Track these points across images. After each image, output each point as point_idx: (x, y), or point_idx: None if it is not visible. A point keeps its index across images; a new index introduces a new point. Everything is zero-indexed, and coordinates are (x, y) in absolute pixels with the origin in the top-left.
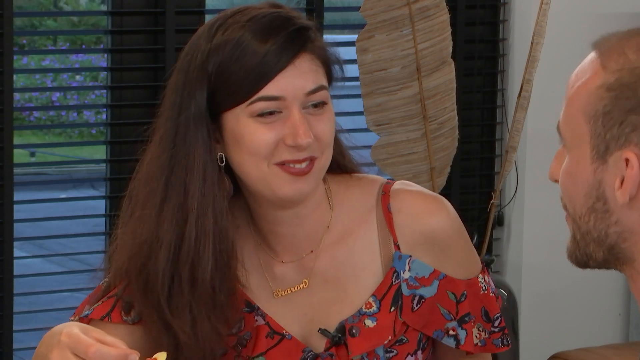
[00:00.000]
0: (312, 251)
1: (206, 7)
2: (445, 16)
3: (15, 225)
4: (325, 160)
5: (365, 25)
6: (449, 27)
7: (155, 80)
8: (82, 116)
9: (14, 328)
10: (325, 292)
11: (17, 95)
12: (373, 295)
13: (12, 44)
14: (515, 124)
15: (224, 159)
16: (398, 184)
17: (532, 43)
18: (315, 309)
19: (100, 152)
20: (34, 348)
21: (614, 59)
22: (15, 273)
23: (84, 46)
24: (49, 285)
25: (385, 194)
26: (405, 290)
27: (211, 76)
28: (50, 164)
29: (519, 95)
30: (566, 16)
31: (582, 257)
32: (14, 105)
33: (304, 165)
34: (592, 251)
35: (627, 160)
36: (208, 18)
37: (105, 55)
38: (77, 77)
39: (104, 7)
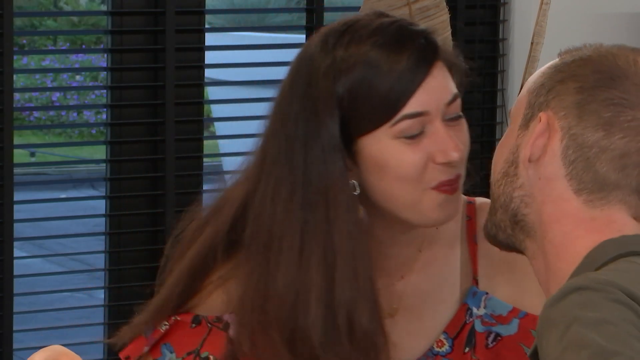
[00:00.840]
0: (402, 277)
1: (206, 7)
2: (445, 16)
3: (15, 225)
4: (464, 176)
5: None
6: (449, 27)
7: (155, 80)
8: (82, 116)
9: (14, 328)
10: (405, 323)
11: (17, 95)
12: (445, 332)
13: (12, 44)
14: None
15: (357, 188)
16: (480, 204)
17: (532, 43)
18: (395, 339)
19: (100, 152)
20: (34, 348)
21: (570, 51)
22: (15, 273)
23: (84, 46)
24: (49, 285)
25: (470, 220)
26: (478, 327)
27: (342, 100)
28: (50, 164)
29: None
30: (566, 16)
31: (491, 229)
32: (14, 105)
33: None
34: (500, 220)
35: (540, 118)
36: (208, 18)
37: (105, 55)
38: (77, 77)
39: (104, 7)
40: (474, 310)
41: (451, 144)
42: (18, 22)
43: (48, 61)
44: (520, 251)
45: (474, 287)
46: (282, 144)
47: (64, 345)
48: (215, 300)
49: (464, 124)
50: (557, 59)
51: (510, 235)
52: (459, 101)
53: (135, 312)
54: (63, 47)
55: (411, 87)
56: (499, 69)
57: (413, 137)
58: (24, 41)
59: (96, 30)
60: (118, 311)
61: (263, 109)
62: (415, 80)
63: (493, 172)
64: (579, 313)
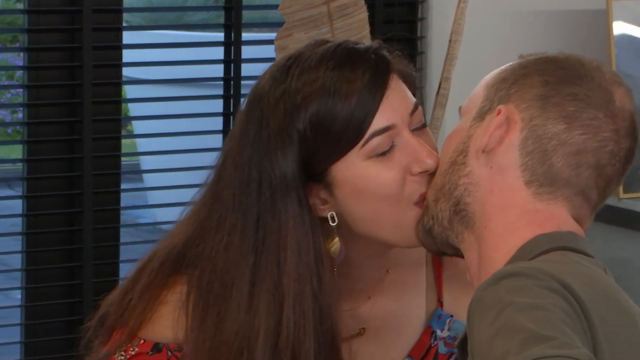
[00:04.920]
0: (369, 298)
1: (124, 5)
2: (363, 14)
3: None
4: None
5: (283, 24)
6: (368, 25)
7: (72, 78)
8: None
9: None
10: (370, 346)
11: None
12: (409, 356)
13: None
14: (434, 122)
15: (335, 218)
16: None
17: (450, 41)
18: None
19: (16, 151)
20: None
21: (531, 54)
22: None
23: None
24: None
25: None
26: (442, 349)
27: (305, 134)
28: None
29: (437, 93)
30: (484, 14)
31: (427, 222)
32: None
33: None
34: (440, 210)
35: (499, 111)
36: (125, 16)
37: (22, 54)
38: None
39: (20, 6)
40: (438, 332)
41: (424, 151)
42: None
43: None
44: (452, 248)
45: (439, 310)
46: (236, 189)
47: None
48: (161, 325)
49: (429, 132)
50: (518, 60)
51: (446, 228)
52: (421, 109)
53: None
54: None
55: (373, 103)
56: (417, 66)
57: (384, 154)
58: None
59: (12, 29)
60: (35, 312)
61: (181, 107)
62: (376, 96)
63: (441, 163)
64: (512, 298)
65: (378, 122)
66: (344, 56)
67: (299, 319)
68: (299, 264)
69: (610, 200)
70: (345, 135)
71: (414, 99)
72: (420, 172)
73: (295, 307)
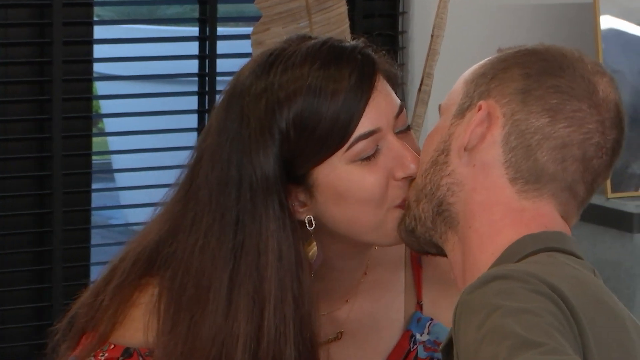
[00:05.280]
0: (347, 300)
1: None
2: (343, 8)
3: None
4: None
5: (260, 18)
6: (347, 19)
7: (42, 75)
8: None
9: None
10: (349, 349)
11: None
12: None
13: None
14: (416, 119)
15: (313, 222)
16: None
17: (432, 36)
18: None
19: None
20: None
21: (510, 47)
22: None
23: None
24: None
25: None
26: (421, 353)
27: (287, 133)
28: None
29: (419, 89)
30: (467, 8)
31: (410, 223)
32: None
33: None
34: (422, 211)
35: (479, 107)
36: (97, 10)
37: None
38: None
39: None
40: (418, 336)
41: (408, 156)
42: None
43: None
44: (435, 247)
45: (418, 313)
46: (214, 189)
47: None
48: (132, 329)
49: (412, 135)
50: (497, 54)
51: (429, 228)
52: (405, 112)
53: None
54: None
55: (359, 106)
56: (398, 62)
57: (369, 159)
58: None
59: None
60: (3, 316)
61: (154, 104)
62: (363, 99)
63: (421, 163)
64: (500, 302)
65: (364, 126)
66: (330, 55)
67: (279, 326)
68: (280, 268)
69: (598, 200)
70: (330, 138)
71: (399, 101)
72: (404, 178)
73: (276, 313)
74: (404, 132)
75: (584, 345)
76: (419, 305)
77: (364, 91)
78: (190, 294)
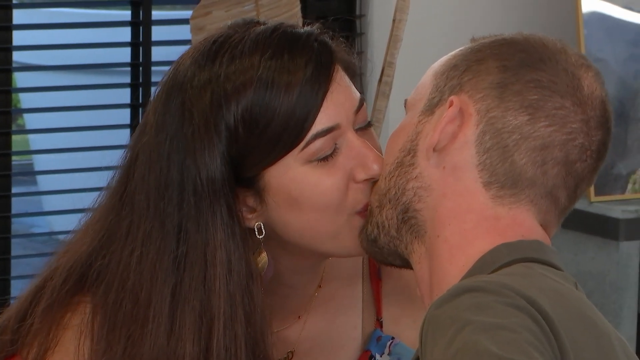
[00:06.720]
0: (299, 317)
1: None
2: None
3: None
4: None
5: (200, 0)
6: (298, 1)
7: None
8: None
9: None
10: None
11: None
12: None
13: None
14: (376, 114)
15: (263, 230)
16: None
17: (394, 20)
18: None
19: None
20: None
21: (485, 36)
22: None
23: None
24: None
25: None
26: None
27: (235, 130)
28: None
29: (380, 80)
30: None
31: (372, 231)
32: None
33: None
34: (386, 218)
35: (451, 102)
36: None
37: None
38: None
39: None
40: (378, 357)
41: (370, 155)
42: None
43: None
44: (400, 258)
45: (378, 331)
46: (152, 193)
47: None
48: (64, 353)
49: (373, 132)
50: (470, 44)
51: (394, 237)
52: (365, 106)
53: None
54: None
55: (316, 100)
56: (356, 50)
57: (326, 159)
58: None
59: None
60: None
61: (82, 97)
62: (320, 92)
63: (385, 164)
64: (471, 317)
65: (321, 122)
66: (283, 43)
67: (230, 347)
68: (229, 282)
69: (581, 205)
70: (284, 136)
71: (359, 95)
72: (365, 180)
73: (226, 332)
74: (364, 128)
75: None
76: (379, 323)
77: (321, 84)
78: (127, 310)
